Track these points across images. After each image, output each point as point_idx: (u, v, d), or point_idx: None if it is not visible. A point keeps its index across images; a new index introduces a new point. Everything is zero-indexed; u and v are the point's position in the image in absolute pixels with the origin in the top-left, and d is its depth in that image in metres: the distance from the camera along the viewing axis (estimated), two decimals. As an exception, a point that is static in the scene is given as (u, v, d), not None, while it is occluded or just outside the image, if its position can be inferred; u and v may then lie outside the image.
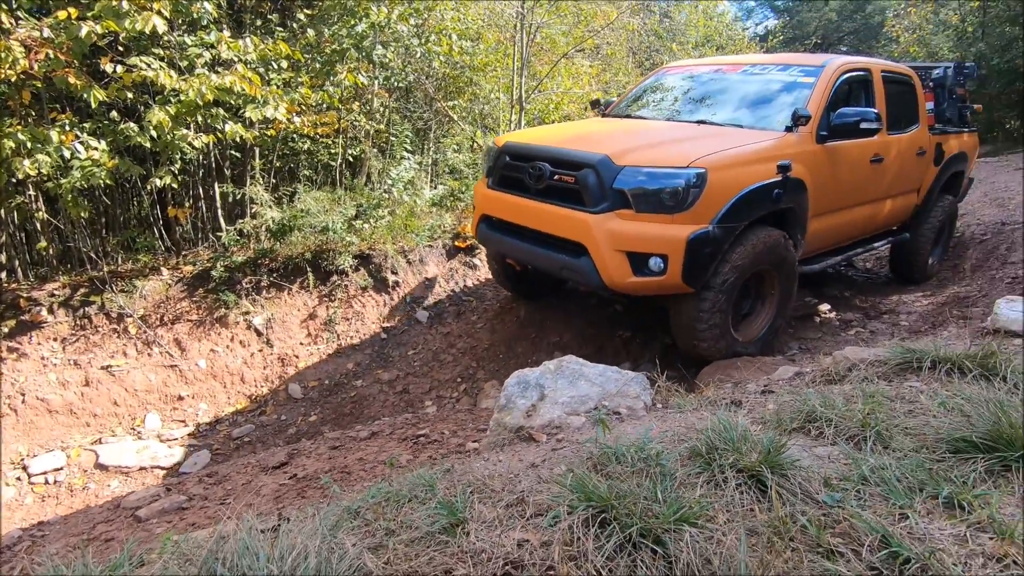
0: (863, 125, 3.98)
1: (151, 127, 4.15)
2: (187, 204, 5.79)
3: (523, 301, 5.34)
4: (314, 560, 1.14)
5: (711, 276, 3.46)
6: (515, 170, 4.04)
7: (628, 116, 4.88)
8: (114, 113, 4.48)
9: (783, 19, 27.46)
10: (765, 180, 3.55)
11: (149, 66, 4.28)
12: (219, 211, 5.80)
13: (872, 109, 4.10)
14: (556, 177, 3.72)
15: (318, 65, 5.40)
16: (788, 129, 3.87)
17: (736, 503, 1.31)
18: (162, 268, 5.26)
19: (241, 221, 5.47)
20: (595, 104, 5.58)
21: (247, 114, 4.60)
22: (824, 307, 4.96)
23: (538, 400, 1.42)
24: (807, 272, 4.33)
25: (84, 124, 4.35)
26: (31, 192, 4.85)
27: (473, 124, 8.04)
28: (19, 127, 3.97)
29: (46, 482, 3.99)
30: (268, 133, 4.92)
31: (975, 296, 4.62)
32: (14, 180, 4.33)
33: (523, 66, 7.34)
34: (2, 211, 4.70)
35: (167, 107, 4.26)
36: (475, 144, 7.72)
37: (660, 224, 3.37)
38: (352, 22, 5.47)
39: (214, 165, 5.83)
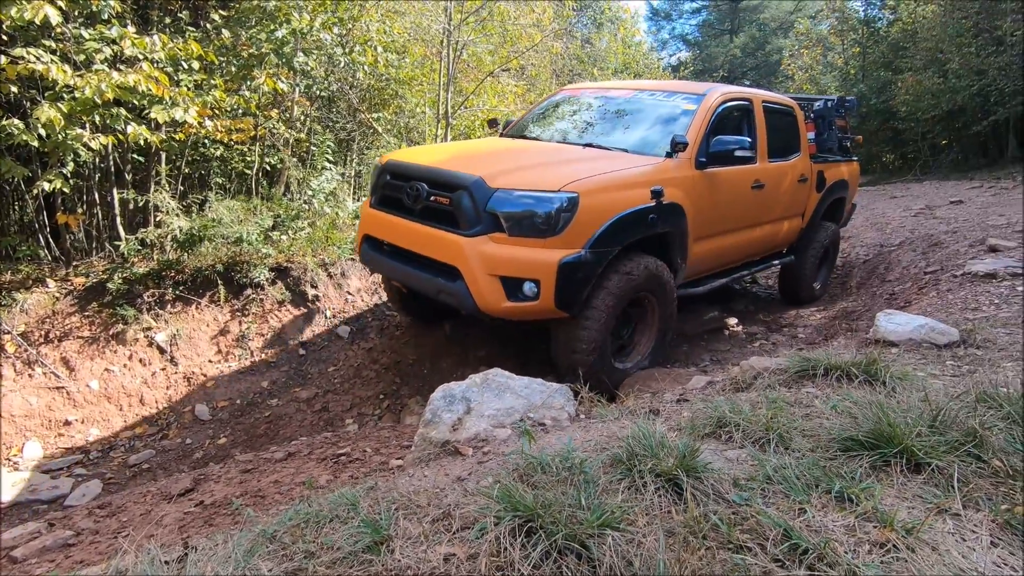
0: (738, 153, 4.11)
1: (39, 125, 3.79)
2: (80, 210, 5.31)
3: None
4: (226, 588, 1.06)
5: (587, 301, 3.46)
6: (395, 189, 3.94)
7: (523, 136, 4.87)
8: (-6, 108, 4.05)
9: (694, 52, 29.46)
10: (639, 205, 3.57)
11: (39, 59, 3.92)
12: (117, 218, 5.36)
13: (746, 138, 4.19)
14: (432, 198, 3.65)
15: (234, 68, 5.16)
16: (668, 155, 3.92)
17: (655, 506, 1.37)
18: (48, 279, 4.77)
19: (144, 230, 5.09)
20: (492, 123, 5.53)
21: (153, 115, 4.31)
22: (732, 321, 5.30)
23: (464, 413, 1.41)
24: (693, 294, 4.42)
25: (-43, 118, 3.90)
26: None
27: (398, 137, 7.97)
28: None
29: None
30: (176, 137, 4.62)
31: (860, 310, 5.11)
32: None
33: (449, 82, 7.38)
34: None
35: (59, 104, 3.91)
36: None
37: (532, 248, 3.34)
38: (272, 27, 5.28)
39: (113, 169, 5.40)
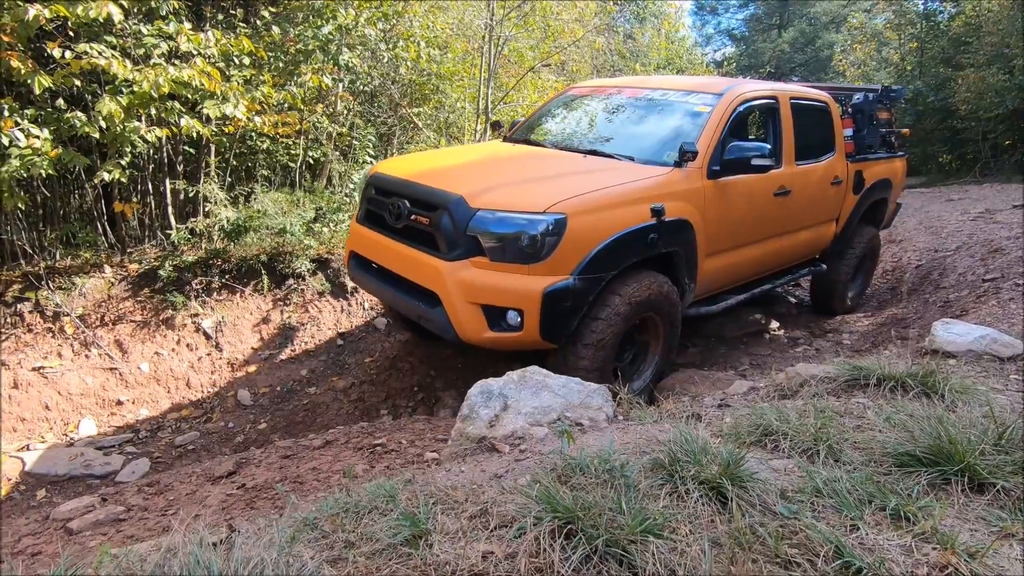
0: (756, 161, 3.67)
1: (100, 118, 3.95)
2: (134, 199, 5.53)
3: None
4: (271, 573, 1.09)
5: (584, 328, 3.20)
6: (379, 205, 3.71)
7: (526, 141, 4.51)
8: (60, 101, 4.24)
9: (739, 47, 28.71)
10: (636, 224, 3.23)
11: (100, 54, 4.08)
12: (169, 208, 5.57)
13: (766, 144, 3.78)
14: (413, 217, 3.39)
15: (281, 64, 5.28)
16: (677, 164, 3.56)
17: (698, 514, 1.33)
18: (105, 265, 4.99)
19: (193, 220, 5.26)
20: (495, 126, 5.19)
21: (205, 110, 4.45)
22: (774, 324, 5.15)
23: (501, 410, 1.40)
24: (705, 314, 4.09)
25: (25, 111, 4.10)
26: (-39, 179, 4.52)
27: (438, 132, 8.02)
28: (-49, 110, 3.72)
29: (-36, 492, 3.69)
30: (226, 130, 4.75)
31: (911, 318, 4.89)
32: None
33: (490, 77, 7.38)
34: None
35: (119, 98, 4.07)
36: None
37: (516, 275, 3.05)
38: (319, 23, 5.38)
39: (166, 160, 5.60)
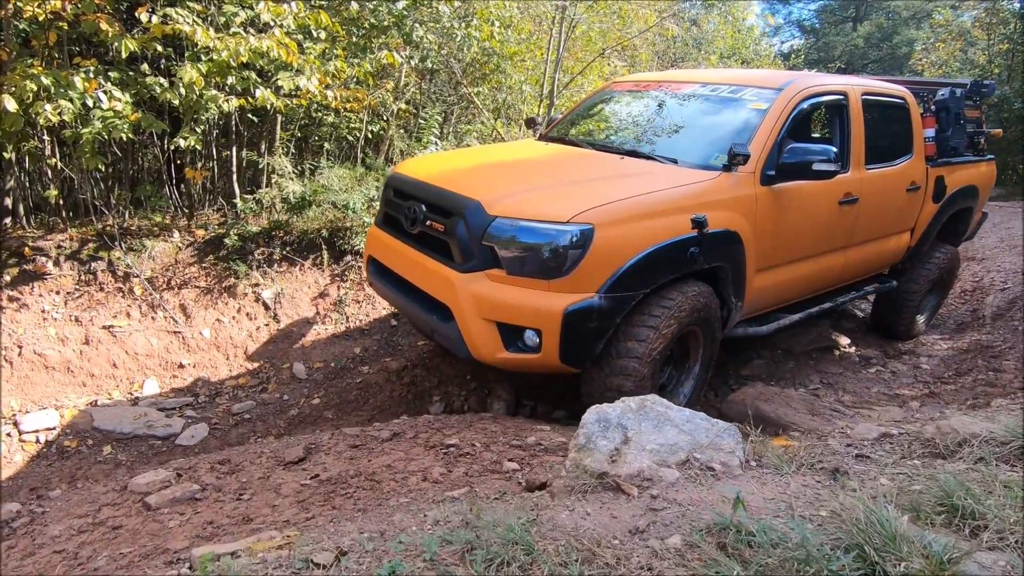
0: (818, 166, 3.26)
1: (181, 85, 3.97)
2: (202, 165, 5.61)
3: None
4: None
5: (623, 348, 2.92)
6: (396, 208, 3.50)
7: (560, 140, 4.19)
8: (145, 66, 4.29)
9: (808, 39, 27.39)
10: (674, 237, 2.90)
11: (183, 19, 4.09)
12: (234, 176, 5.63)
13: (831, 147, 3.37)
14: (429, 222, 3.17)
15: (353, 39, 5.22)
16: (726, 168, 3.21)
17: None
18: (174, 230, 5.09)
19: (261, 190, 5.31)
20: (530, 123, 4.87)
21: (279, 82, 4.43)
22: (844, 341, 4.89)
23: (622, 443, 1.29)
24: (754, 335, 3.71)
25: (109, 73, 4.16)
26: (45, 138, 4.65)
27: (495, 113, 7.86)
28: (41, 70, 3.78)
29: (37, 441, 3.85)
30: (299, 103, 4.73)
31: (1000, 347, 4.55)
32: (30, 125, 4.15)
33: (558, 60, 7.17)
34: (13, 155, 4.50)
35: (198, 65, 4.08)
36: (496, 134, 7.55)
37: (534, 291, 2.78)
38: (394, -3, 5.29)
39: (234, 129, 5.65)
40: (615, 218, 2.81)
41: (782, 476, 1.45)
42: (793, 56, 22.42)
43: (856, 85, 4.07)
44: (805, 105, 3.64)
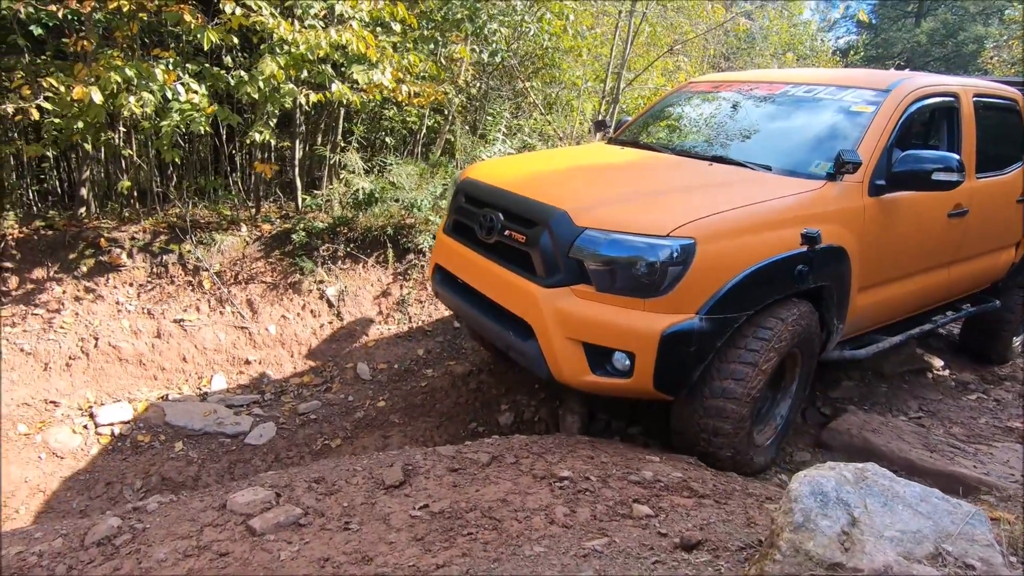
0: (938, 176, 2.95)
1: (260, 78, 3.89)
2: (262, 157, 5.56)
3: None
4: None
5: (722, 376, 2.69)
6: (469, 216, 3.26)
7: (635, 144, 3.93)
8: (228, 59, 4.23)
9: (866, 35, 26.29)
10: (782, 253, 2.66)
11: (261, 11, 4.01)
12: (295, 170, 5.57)
13: (954, 155, 3.03)
14: (507, 232, 2.93)
15: (425, 33, 5.08)
16: (830, 176, 2.94)
17: None
18: (242, 224, 5.06)
19: (330, 187, 5.24)
20: (599, 126, 4.55)
21: (354, 75, 4.32)
22: (937, 363, 4.57)
23: (848, 525, 1.11)
24: (851, 358, 3.42)
25: (187, 65, 4.11)
26: (121, 129, 4.66)
27: (547, 109, 7.64)
28: (123, 61, 3.75)
29: (112, 434, 3.85)
30: (373, 97, 4.62)
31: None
32: (109, 116, 4.14)
33: (624, 57, 6.92)
34: (90, 146, 4.51)
35: (276, 58, 3.99)
36: (553, 131, 7.34)
37: (627, 310, 2.57)
38: (466, -10, 5.13)
39: (300, 124, 5.59)
40: (718, 232, 2.59)
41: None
42: (851, 52, 21.52)
43: (967, 85, 3.78)
44: (915, 108, 3.34)
